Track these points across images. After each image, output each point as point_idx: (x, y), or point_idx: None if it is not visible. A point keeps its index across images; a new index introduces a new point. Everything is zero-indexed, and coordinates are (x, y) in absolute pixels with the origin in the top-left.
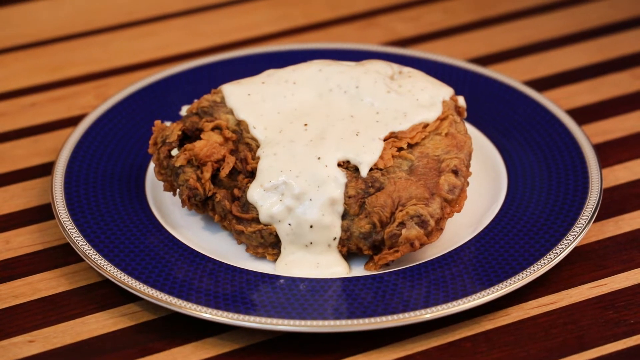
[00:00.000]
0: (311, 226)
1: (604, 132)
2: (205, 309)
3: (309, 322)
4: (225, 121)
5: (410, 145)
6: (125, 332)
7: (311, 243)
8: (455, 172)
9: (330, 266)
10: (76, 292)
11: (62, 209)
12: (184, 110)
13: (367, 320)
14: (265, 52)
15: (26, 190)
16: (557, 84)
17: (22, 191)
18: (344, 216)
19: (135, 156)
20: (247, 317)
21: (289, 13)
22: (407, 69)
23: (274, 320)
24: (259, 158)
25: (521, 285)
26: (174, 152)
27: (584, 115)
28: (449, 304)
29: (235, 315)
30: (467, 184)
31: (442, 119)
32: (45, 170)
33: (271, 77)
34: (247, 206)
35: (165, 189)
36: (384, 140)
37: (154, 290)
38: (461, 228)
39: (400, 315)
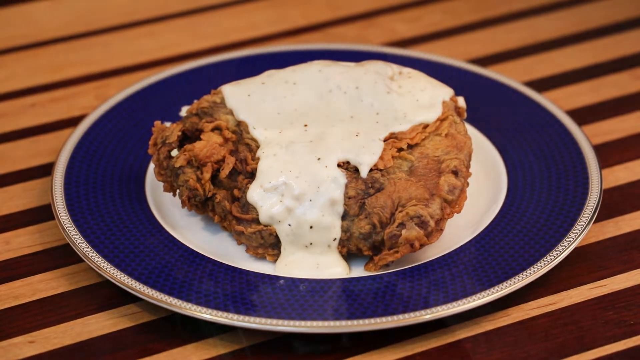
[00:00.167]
0: (311, 227)
1: (604, 132)
2: (205, 309)
3: (308, 323)
4: (225, 122)
5: (410, 146)
6: (125, 332)
7: (311, 244)
8: (455, 173)
9: (330, 267)
10: (76, 292)
11: (62, 209)
12: (184, 111)
13: (367, 320)
14: (265, 52)
15: (26, 191)
16: (557, 84)
17: (22, 192)
18: (343, 217)
19: (135, 157)
20: (247, 318)
21: (289, 13)
22: (407, 70)
23: (274, 321)
24: (258, 159)
25: (521, 285)
26: (174, 152)
27: (583, 115)
28: (449, 305)
29: (235, 316)
30: (467, 184)
31: (442, 119)
32: (45, 170)
33: (271, 78)
34: (247, 207)
35: (165, 190)
36: (384, 140)
37: (153, 291)
38: (461, 229)
39: (400, 316)
